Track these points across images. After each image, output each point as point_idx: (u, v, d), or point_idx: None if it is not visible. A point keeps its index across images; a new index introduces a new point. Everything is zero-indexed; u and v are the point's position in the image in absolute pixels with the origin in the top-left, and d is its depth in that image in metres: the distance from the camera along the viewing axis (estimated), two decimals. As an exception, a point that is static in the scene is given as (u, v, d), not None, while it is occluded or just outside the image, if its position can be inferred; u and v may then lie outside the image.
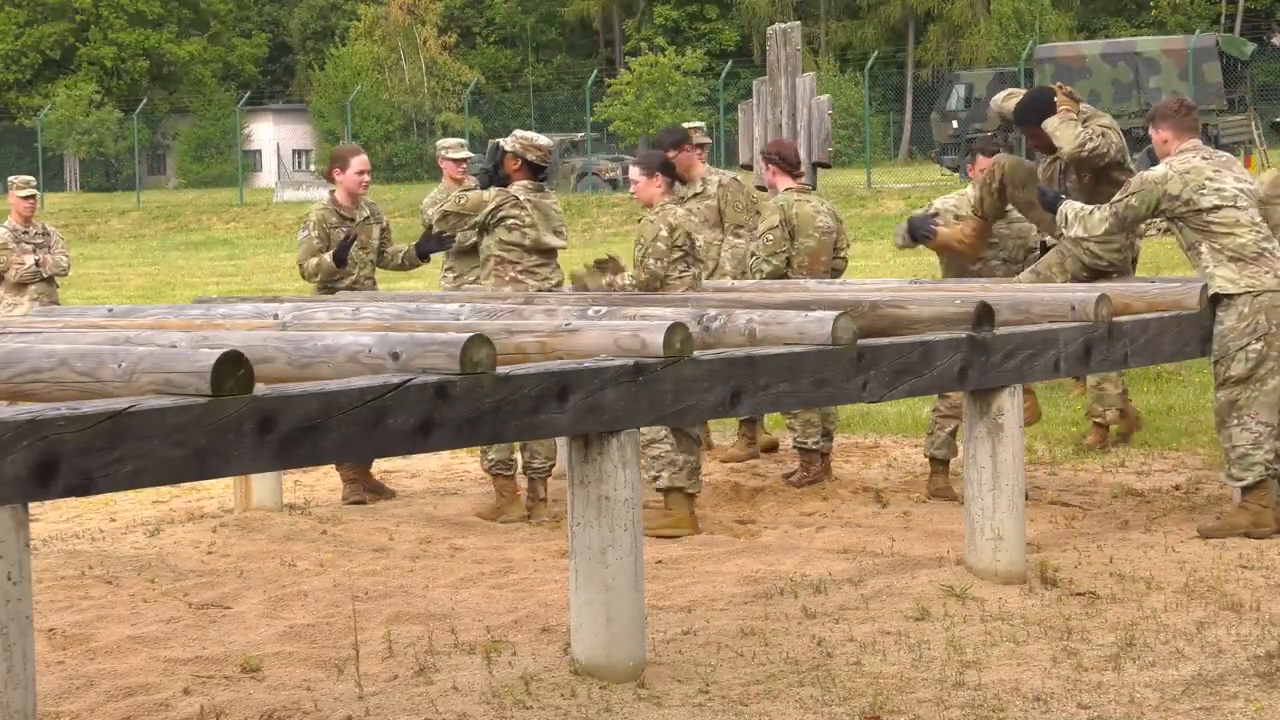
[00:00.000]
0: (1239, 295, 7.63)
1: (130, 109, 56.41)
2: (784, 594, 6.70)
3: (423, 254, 9.62)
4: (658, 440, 8.09)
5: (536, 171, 8.63)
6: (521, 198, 8.52)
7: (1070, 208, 7.97)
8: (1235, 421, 7.70)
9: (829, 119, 13.81)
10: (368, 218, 9.48)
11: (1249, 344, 7.64)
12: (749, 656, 5.78)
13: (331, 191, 9.52)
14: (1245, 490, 7.70)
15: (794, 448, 9.60)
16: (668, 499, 8.16)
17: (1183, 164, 7.71)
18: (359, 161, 9.40)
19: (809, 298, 7.42)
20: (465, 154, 10.19)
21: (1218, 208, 7.64)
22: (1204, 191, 7.64)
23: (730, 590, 6.83)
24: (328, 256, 9.16)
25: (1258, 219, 7.74)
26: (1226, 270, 7.65)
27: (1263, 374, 7.67)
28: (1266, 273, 7.64)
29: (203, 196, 48.45)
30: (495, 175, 8.67)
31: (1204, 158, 7.76)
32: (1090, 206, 7.94)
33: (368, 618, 6.45)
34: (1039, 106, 8.48)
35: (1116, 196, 7.82)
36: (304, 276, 9.43)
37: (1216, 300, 7.72)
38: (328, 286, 9.25)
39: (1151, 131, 7.94)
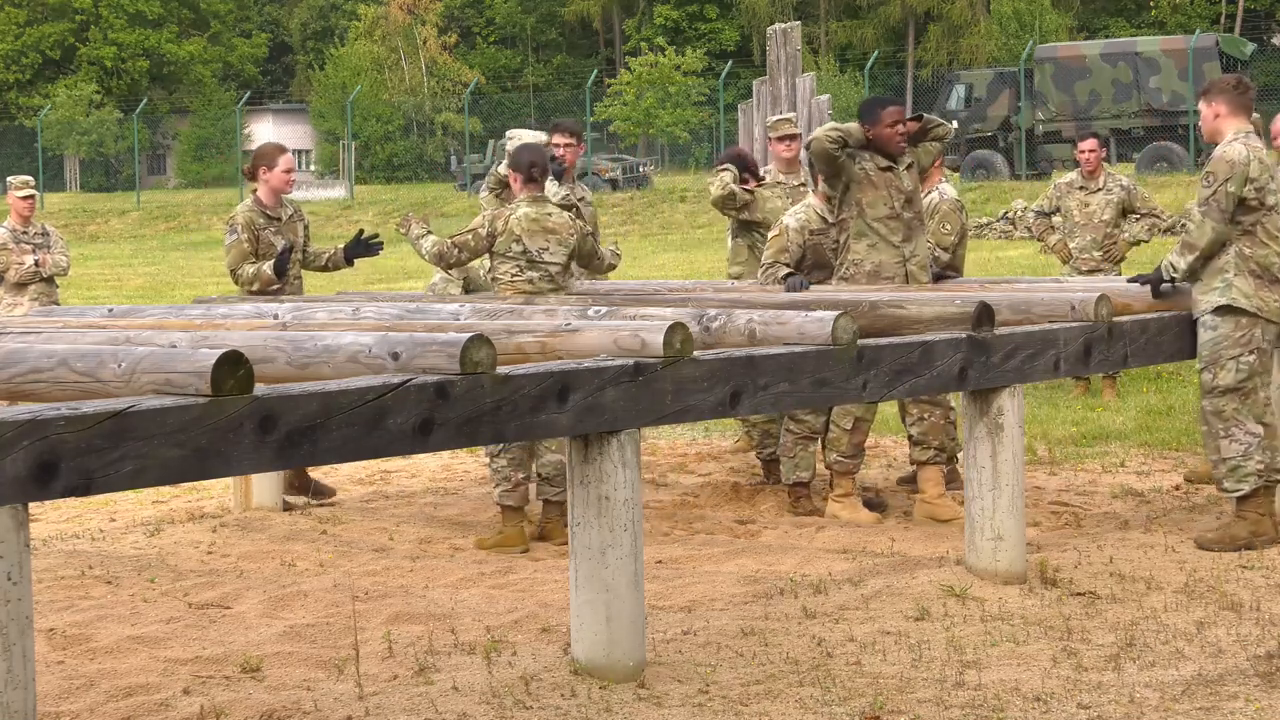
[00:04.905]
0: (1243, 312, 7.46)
1: (130, 109, 56.40)
2: (784, 594, 6.70)
3: (350, 259, 9.31)
4: (497, 455, 7.97)
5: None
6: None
7: (1170, 258, 7.58)
8: (1223, 433, 7.51)
9: (829, 119, 13.84)
10: (292, 215, 9.26)
11: (1242, 354, 7.47)
12: (749, 656, 5.77)
13: (254, 191, 9.24)
14: (1241, 500, 7.49)
15: (758, 458, 9.59)
16: (502, 514, 8.06)
17: (1257, 150, 7.41)
18: (285, 160, 9.15)
19: (809, 298, 7.43)
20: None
21: (1274, 209, 7.42)
22: (1272, 186, 7.40)
23: (730, 590, 6.83)
24: (267, 268, 8.90)
25: None
26: (1243, 283, 7.46)
27: (1251, 386, 7.49)
28: (1278, 300, 7.48)
29: (203, 196, 48.43)
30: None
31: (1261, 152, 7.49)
32: (1180, 241, 7.56)
33: (368, 618, 6.44)
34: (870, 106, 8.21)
35: (1204, 195, 7.44)
36: (237, 284, 9.12)
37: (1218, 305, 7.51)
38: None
39: (1203, 105, 7.59)
